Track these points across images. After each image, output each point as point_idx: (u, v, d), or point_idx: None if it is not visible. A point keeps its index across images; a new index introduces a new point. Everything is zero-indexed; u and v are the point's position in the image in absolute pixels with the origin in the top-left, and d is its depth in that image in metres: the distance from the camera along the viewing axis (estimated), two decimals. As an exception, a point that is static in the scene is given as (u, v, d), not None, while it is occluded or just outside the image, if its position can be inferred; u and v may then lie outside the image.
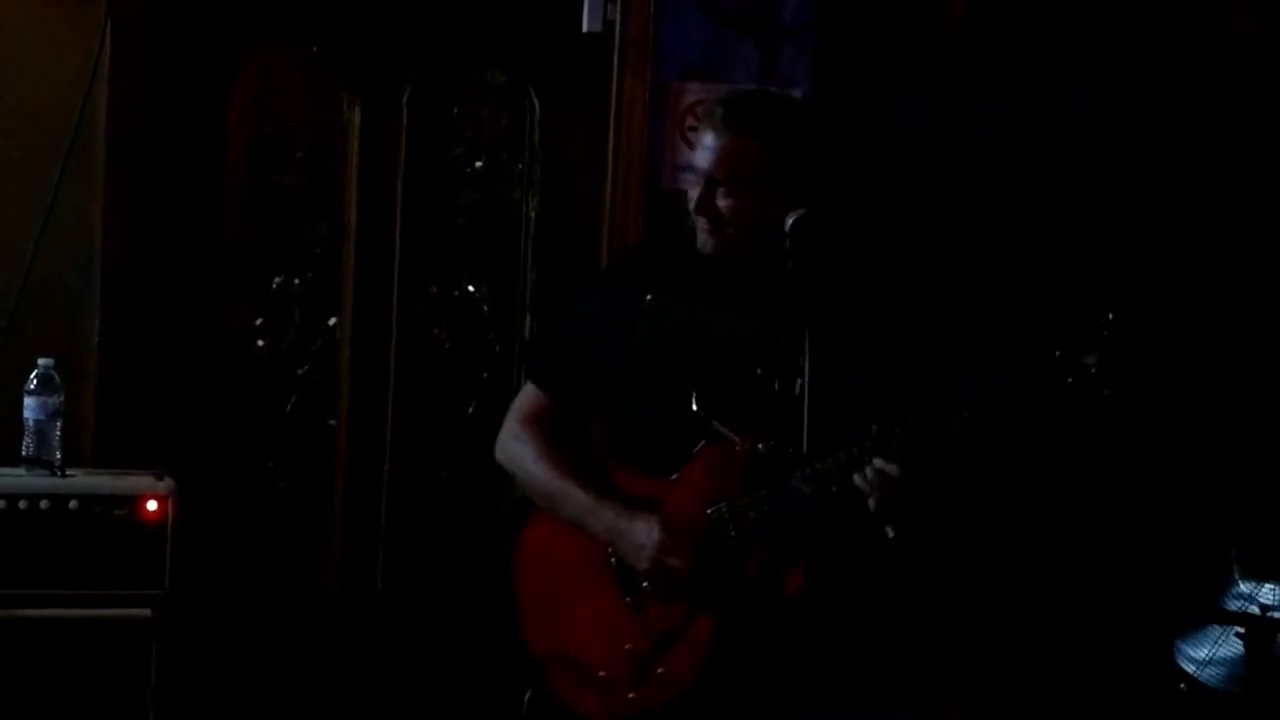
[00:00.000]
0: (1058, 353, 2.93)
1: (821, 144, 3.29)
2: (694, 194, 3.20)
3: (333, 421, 4.36)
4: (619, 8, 4.33)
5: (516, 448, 3.36)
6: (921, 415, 3.00)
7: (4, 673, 3.62)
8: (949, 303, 3.57)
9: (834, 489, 3.02)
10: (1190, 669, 4.09)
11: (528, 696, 3.34)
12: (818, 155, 3.23)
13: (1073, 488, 4.20)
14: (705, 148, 3.18)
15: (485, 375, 4.48)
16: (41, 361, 3.77)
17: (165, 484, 3.75)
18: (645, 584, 3.16)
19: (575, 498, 3.24)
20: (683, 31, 4.37)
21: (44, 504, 3.67)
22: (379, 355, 4.34)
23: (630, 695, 3.15)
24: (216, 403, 4.23)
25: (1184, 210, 4.37)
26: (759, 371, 3.14)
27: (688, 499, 3.16)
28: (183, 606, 3.77)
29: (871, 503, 3.00)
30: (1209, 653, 4.06)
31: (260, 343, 4.38)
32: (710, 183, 3.17)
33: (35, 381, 3.76)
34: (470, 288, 4.51)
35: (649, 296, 3.28)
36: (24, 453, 3.75)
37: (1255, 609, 3.99)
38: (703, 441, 3.17)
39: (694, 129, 3.26)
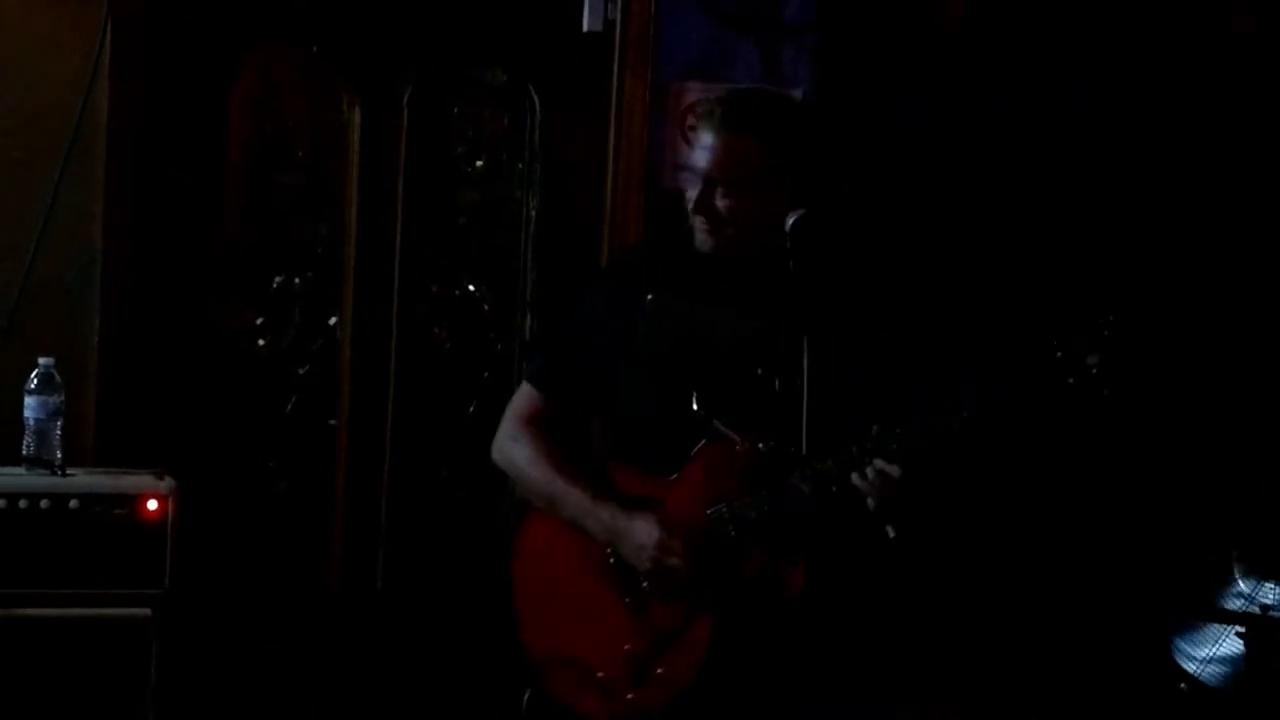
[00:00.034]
0: (1059, 354, 2.92)
1: (821, 144, 3.29)
2: (692, 194, 3.19)
3: (333, 421, 4.35)
4: (619, 7, 4.32)
5: (514, 449, 3.36)
6: (922, 415, 2.99)
7: (4, 672, 3.63)
8: (949, 303, 3.57)
9: (834, 489, 3.02)
10: (1191, 668, 4.09)
11: (527, 697, 3.34)
12: (817, 155, 3.23)
13: (1073, 487, 4.20)
14: (704, 147, 3.17)
15: (486, 375, 4.48)
16: (42, 361, 3.77)
17: (166, 483, 3.75)
18: (645, 584, 3.16)
19: (574, 498, 3.24)
20: (683, 31, 4.37)
21: (44, 503, 3.67)
22: (379, 355, 4.34)
23: (630, 696, 3.14)
24: (217, 402, 4.23)
25: (1184, 210, 4.36)
26: (759, 371, 3.14)
27: (687, 499, 3.16)
28: (183, 606, 3.77)
29: (871, 503, 3.00)
30: (1209, 652, 4.06)
31: (261, 342, 4.39)
32: (709, 182, 3.16)
33: (36, 381, 3.77)
34: (471, 287, 4.51)
35: (649, 296, 3.28)
36: (24, 452, 3.75)
37: (1255, 608, 3.99)
38: (703, 441, 3.17)
39: (694, 128, 3.26)
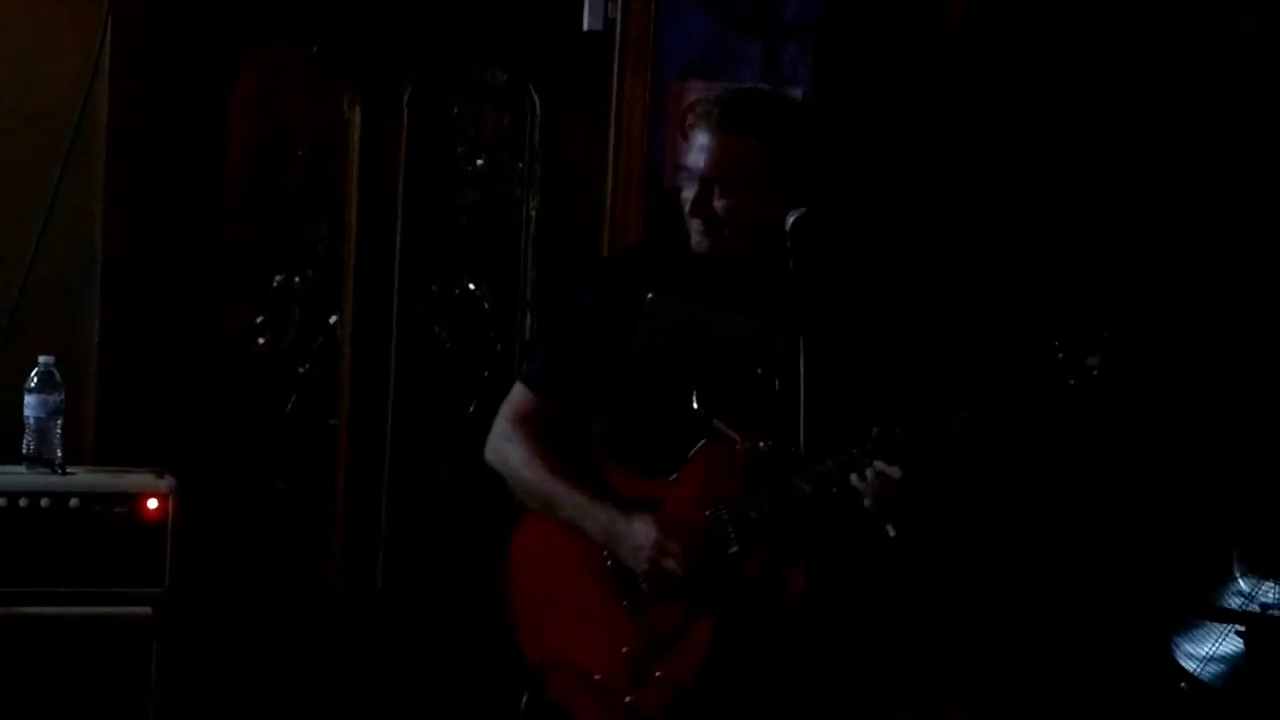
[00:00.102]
0: (1060, 355, 2.92)
1: (821, 143, 3.28)
2: (688, 195, 3.18)
3: (333, 420, 4.35)
4: (620, 6, 4.33)
5: (508, 449, 3.35)
6: (922, 416, 2.99)
7: (4, 671, 3.63)
8: (949, 303, 3.57)
9: (834, 490, 3.02)
10: (1191, 667, 4.09)
11: (525, 700, 3.32)
12: (817, 155, 3.22)
13: (1073, 486, 4.19)
14: (701, 148, 3.15)
15: (486, 374, 4.47)
16: (42, 359, 3.77)
17: (166, 482, 3.76)
18: (643, 586, 3.14)
19: (571, 499, 3.22)
20: (684, 30, 4.37)
21: (45, 502, 3.68)
22: (380, 354, 4.34)
23: (628, 699, 3.12)
24: (217, 401, 4.23)
25: (1184, 210, 4.36)
26: (760, 371, 3.13)
27: (686, 500, 3.15)
28: (183, 605, 3.78)
29: (869, 503, 2.99)
30: (1209, 651, 4.06)
31: (261, 341, 4.38)
32: (706, 183, 3.14)
33: (36, 379, 3.77)
34: (471, 286, 4.51)
35: (649, 295, 3.27)
36: (25, 451, 3.76)
37: (1255, 607, 3.99)
38: (702, 442, 3.16)
39: (693, 127, 3.25)
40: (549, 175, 4.37)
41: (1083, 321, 2.93)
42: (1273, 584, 4.03)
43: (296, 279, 4.40)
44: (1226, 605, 4.05)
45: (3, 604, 3.64)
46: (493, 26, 4.31)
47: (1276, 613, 3.94)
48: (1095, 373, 2.90)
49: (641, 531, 3.13)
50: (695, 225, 3.18)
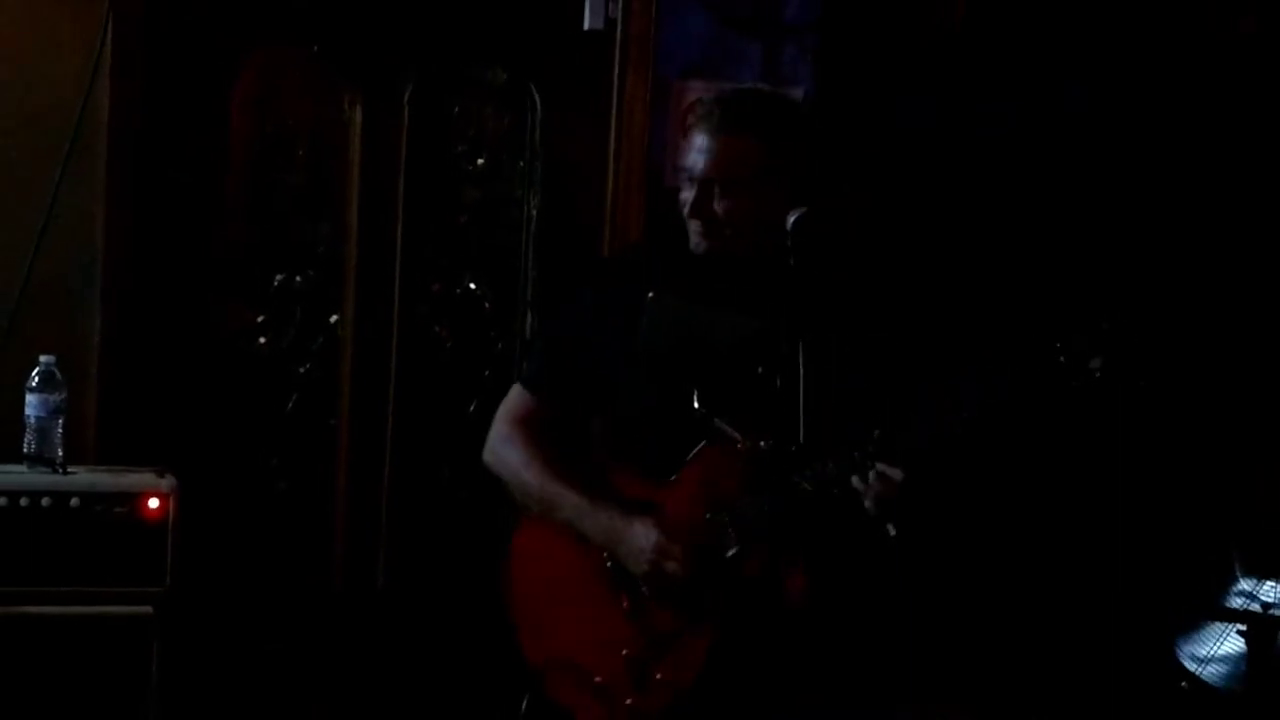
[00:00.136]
0: (1061, 357, 2.91)
1: (821, 143, 3.27)
2: (687, 196, 3.17)
3: (334, 420, 4.36)
4: (620, 6, 4.33)
5: (506, 450, 3.34)
6: (922, 416, 2.98)
7: (5, 670, 3.63)
8: (949, 303, 3.56)
9: (835, 491, 3.01)
10: (1191, 667, 4.08)
11: (525, 702, 3.32)
12: (817, 155, 3.22)
13: (1073, 486, 4.19)
14: (700, 149, 3.15)
15: (487, 374, 4.47)
16: (43, 358, 3.78)
17: (167, 481, 3.76)
18: (643, 588, 3.14)
19: (570, 501, 3.22)
20: (684, 30, 4.37)
21: (45, 501, 3.68)
22: (380, 354, 4.34)
23: (629, 701, 3.12)
24: (218, 401, 4.24)
25: (1185, 211, 4.36)
26: (760, 370, 3.13)
27: (687, 501, 3.14)
28: (184, 604, 3.78)
29: (870, 504, 2.99)
30: (1210, 651, 4.06)
31: (261, 341, 4.38)
32: (706, 184, 3.14)
33: (37, 379, 3.77)
34: (472, 286, 4.51)
35: (650, 295, 3.27)
36: (26, 450, 3.76)
37: (1257, 606, 3.99)
38: (702, 442, 3.15)
39: (692, 127, 3.24)
40: (549, 175, 4.37)
41: (1083, 321, 2.92)
42: (1274, 583, 4.02)
43: (297, 279, 4.40)
44: (1228, 605, 4.05)
45: (3, 603, 3.64)
46: (493, 26, 4.31)
47: (1277, 612, 3.94)
48: (1098, 375, 2.90)
49: (642, 534, 3.12)
50: (695, 226, 3.18)
